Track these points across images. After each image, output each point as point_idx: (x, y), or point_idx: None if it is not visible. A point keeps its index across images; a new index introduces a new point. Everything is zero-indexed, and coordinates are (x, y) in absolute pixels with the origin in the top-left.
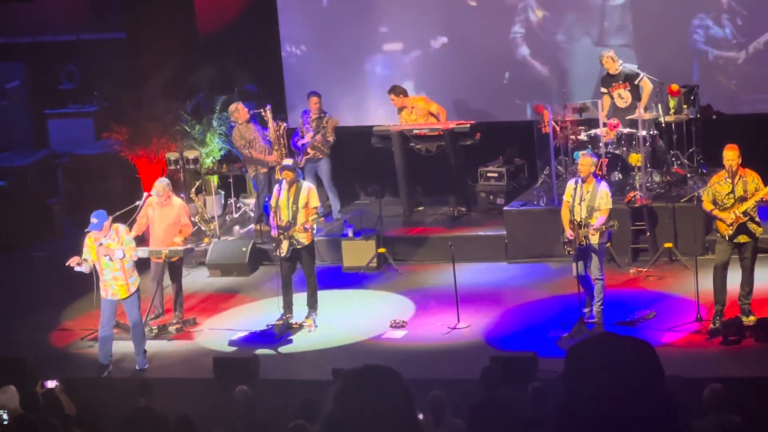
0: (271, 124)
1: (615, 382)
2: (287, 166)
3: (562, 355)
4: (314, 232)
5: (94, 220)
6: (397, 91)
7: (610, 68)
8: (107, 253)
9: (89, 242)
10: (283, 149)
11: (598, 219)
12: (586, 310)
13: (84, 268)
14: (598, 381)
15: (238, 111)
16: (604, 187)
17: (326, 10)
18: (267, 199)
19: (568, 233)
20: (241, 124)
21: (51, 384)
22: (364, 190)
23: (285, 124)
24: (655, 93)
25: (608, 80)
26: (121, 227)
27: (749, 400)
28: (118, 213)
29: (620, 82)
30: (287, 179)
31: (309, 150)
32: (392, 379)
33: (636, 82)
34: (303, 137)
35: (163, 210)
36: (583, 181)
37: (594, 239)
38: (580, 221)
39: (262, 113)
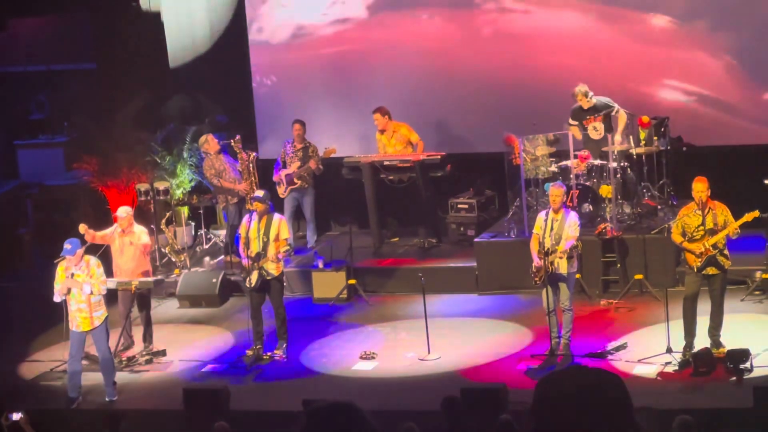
0: (241, 154)
1: (584, 415)
2: (258, 198)
3: (532, 386)
4: (284, 264)
5: (67, 246)
6: (383, 111)
7: (584, 103)
8: (74, 285)
9: (60, 270)
10: (253, 179)
11: (566, 243)
12: (554, 341)
13: (56, 298)
14: (568, 413)
15: (208, 142)
16: (573, 217)
17: (297, 40)
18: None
19: (536, 262)
20: (212, 155)
21: (16, 416)
22: (337, 220)
23: (255, 154)
24: (626, 124)
25: (581, 114)
26: (93, 260)
27: (721, 431)
28: (88, 243)
29: (594, 115)
30: (258, 210)
31: (296, 180)
32: (355, 415)
33: (613, 114)
34: (286, 167)
35: (125, 240)
36: (555, 212)
37: (563, 267)
38: (548, 249)
39: (232, 143)
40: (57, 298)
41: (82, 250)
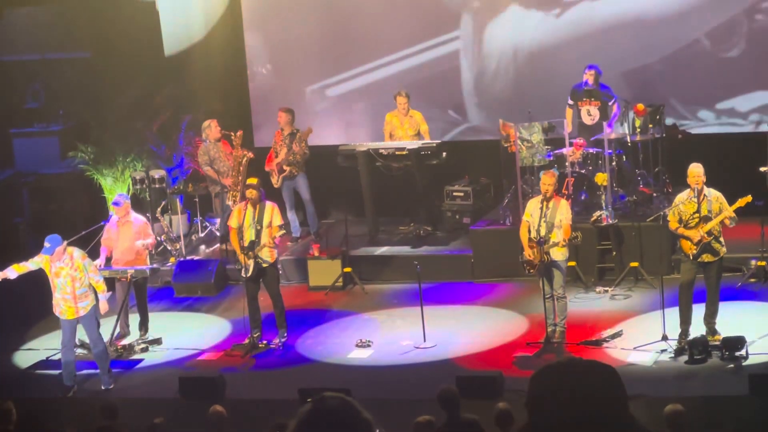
0: (236, 150)
1: (578, 408)
2: (251, 185)
3: (528, 374)
4: (277, 251)
5: (47, 244)
6: (405, 94)
7: (588, 77)
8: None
9: (46, 263)
10: (239, 177)
11: (561, 235)
12: (550, 329)
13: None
14: (562, 406)
15: (211, 128)
16: (564, 205)
17: (292, 29)
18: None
19: (527, 253)
20: (210, 142)
21: None
22: (332, 209)
23: (251, 155)
24: (621, 113)
25: (581, 94)
26: (77, 252)
27: (716, 418)
28: (74, 237)
29: (593, 99)
30: (251, 198)
31: (285, 167)
32: (349, 413)
33: (610, 104)
34: (277, 156)
35: (123, 228)
36: (546, 200)
37: (556, 255)
38: (541, 238)
39: (233, 137)
40: (12, 275)
41: (63, 246)
